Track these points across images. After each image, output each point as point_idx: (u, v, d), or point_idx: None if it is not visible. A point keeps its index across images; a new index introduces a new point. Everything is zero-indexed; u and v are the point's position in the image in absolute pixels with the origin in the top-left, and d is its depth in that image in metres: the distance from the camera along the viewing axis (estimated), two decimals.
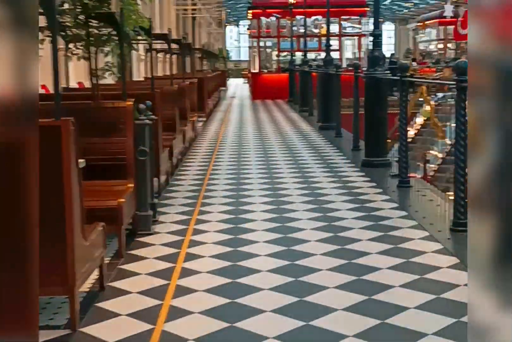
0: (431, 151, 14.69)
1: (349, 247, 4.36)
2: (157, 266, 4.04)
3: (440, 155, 14.11)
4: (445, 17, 17.81)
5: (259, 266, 3.99)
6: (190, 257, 4.22)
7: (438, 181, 12.02)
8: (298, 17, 22.25)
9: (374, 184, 6.56)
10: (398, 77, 6.08)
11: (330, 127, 11.31)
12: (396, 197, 5.98)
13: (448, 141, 13.01)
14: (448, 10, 15.30)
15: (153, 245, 4.51)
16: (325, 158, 8.42)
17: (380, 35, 7.23)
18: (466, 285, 3.56)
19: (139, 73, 15.70)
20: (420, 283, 3.65)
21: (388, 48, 60.11)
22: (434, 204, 5.50)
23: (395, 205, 5.61)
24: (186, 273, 3.90)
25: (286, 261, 4.09)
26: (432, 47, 32.75)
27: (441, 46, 29.85)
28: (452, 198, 5.18)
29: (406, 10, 53.16)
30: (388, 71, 7.42)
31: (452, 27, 26.23)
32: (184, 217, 5.29)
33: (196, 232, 4.84)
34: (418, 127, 15.32)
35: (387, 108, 7.32)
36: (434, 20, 27.68)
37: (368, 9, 22.95)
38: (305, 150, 9.30)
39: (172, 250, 4.37)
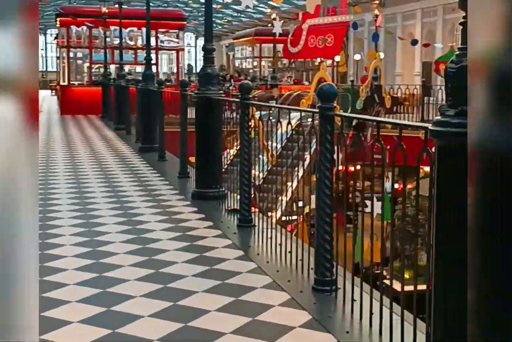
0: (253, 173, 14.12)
1: (193, 324, 3.33)
2: None
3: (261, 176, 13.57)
4: (274, 34, 17.47)
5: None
6: None
7: (260, 206, 11.40)
8: (112, 27, 20.88)
9: (210, 223, 5.59)
10: (239, 99, 5.20)
11: (152, 149, 10.24)
12: (239, 240, 5.05)
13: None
14: (277, 26, 14.86)
15: None
16: (148, 188, 7.31)
17: (214, 50, 6.32)
18: None
19: None
20: None
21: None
22: (285, 249, 4.62)
23: (240, 252, 4.67)
24: None
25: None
26: (246, 64, 32.85)
27: (256, 63, 29.95)
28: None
29: (220, 27, 53.57)
30: (222, 91, 6.54)
31: (268, 45, 26.38)
32: None
33: None
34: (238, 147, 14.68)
35: (222, 132, 6.42)
36: (248, 38, 27.66)
37: (186, 23, 22.20)
38: (124, 177, 8.13)
39: None
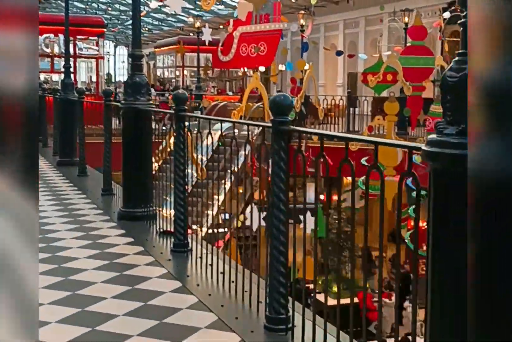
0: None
1: None
2: None
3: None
4: (198, 42, 16.95)
5: None
6: None
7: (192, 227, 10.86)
8: None
9: (140, 248, 5.02)
10: (173, 111, 4.69)
11: (72, 163, 9.53)
12: (175, 269, 4.51)
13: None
14: (207, 34, 14.23)
15: None
16: (69, 207, 6.64)
17: (142, 56, 5.78)
18: None
19: None
20: None
21: (122, 73, 59.25)
22: (229, 278, 4.11)
23: (177, 283, 4.14)
24: None
25: None
26: (168, 73, 32.11)
27: (179, 73, 29.31)
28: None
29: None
30: (151, 102, 6.00)
31: (190, 54, 25.85)
32: None
33: None
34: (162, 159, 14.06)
35: (152, 146, 5.89)
36: (174, 46, 27.04)
37: (106, 30, 21.39)
38: (41, 195, 7.39)
39: None
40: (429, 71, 13.29)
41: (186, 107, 4.65)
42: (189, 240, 4.94)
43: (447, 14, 16.59)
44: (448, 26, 18.82)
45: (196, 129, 4.69)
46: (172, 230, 5.11)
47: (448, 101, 2.01)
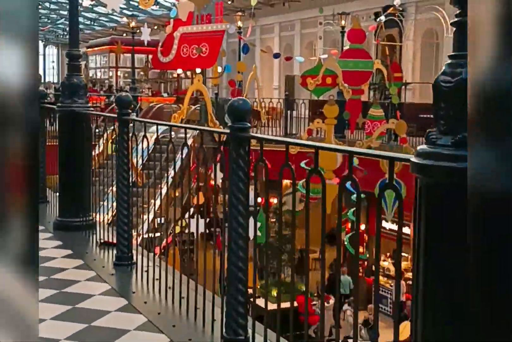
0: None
1: None
2: None
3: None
4: (133, 43, 16.39)
5: None
6: None
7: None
8: None
9: (80, 261, 4.67)
10: (116, 115, 4.38)
11: None
12: (119, 284, 4.20)
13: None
14: (145, 34, 13.73)
15: None
16: None
17: (80, 56, 5.41)
18: None
19: None
20: None
21: (52, 73, 57.72)
22: (179, 294, 3.83)
23: (122, 301, 3.83)
24: None
25: None
26: (101, 74, 31.32)
27: (112, 73, 28.61)
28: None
29: None
30: (89, 105, 5.65)
31: (125, 55, 25.26)
32: None
33: None
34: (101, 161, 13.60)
35: (91, 152, 5.54)
36: (107, 46, 26.37)
37: None
38: None
39: None
40: (368, 75, 13.32)
41: (130, 111, 4.35)
42: (133, 252, 4.63)
43: (383, 18, 16.73)
44: (383, 30, 19.04)
45: (138, 132, 4.41)
46: (113, 241, 4.80)
47: (441, 109, 1.82)
